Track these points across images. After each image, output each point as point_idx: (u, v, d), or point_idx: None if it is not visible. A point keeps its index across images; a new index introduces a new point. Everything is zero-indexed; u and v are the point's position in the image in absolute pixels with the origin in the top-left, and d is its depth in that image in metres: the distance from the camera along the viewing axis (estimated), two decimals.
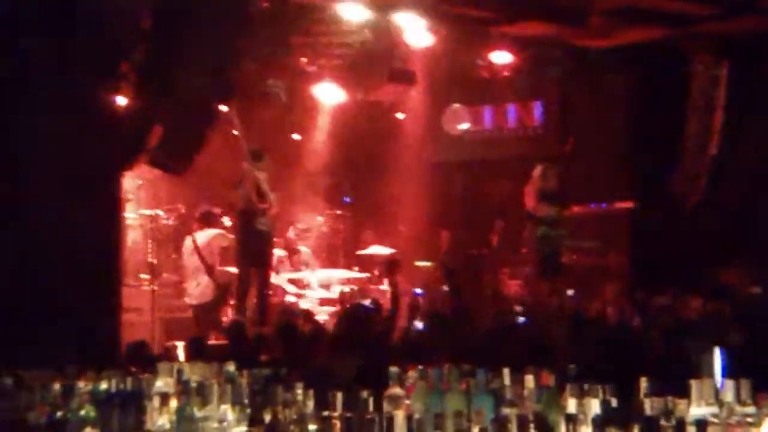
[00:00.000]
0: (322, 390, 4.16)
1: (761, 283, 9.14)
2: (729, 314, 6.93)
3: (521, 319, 8.70)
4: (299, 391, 4.13)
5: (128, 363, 6.50)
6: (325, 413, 3.91)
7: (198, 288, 11.30)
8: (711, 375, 4.75)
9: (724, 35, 11.78)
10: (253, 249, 10.96)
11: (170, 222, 12.35)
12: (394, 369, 4.46)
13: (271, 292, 11.39)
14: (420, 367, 4.59)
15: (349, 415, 3.83)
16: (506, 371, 4.26)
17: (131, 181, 11.63)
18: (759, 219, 11.82)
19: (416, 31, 11.78)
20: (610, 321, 7.52)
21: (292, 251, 12.48)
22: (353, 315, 8.25)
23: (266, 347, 7.39)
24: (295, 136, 14.18)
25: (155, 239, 11.99)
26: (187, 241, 11.52)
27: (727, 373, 4.69)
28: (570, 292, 11.21)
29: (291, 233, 12.58)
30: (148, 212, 12.16)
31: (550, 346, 6.29)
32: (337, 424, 3.80)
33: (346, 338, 7.44)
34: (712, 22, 11.32)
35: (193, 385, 4.27)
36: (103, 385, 4.71)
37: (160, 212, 12.25)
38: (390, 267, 9.92)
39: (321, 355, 6.91)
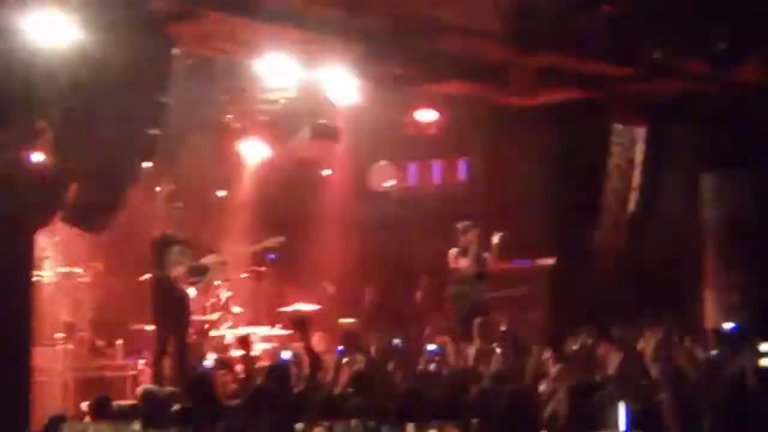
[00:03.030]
0: None
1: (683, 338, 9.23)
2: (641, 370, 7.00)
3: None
4: None
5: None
6: None
7: None
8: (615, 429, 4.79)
9: (642, 96, 12.08)
10: (171, 309, 10.78)
11: (87, 279, 12.17)
12: (299, 426, 4.44)
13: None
14: (326, 423, 4.58)
15: None
16: (410, 426, 4.27)
17: (48, 239, 11.48)
18: (677, 275, 12.04)
19: (341, 89, 11.86)
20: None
21: (226, 311, 12.28)
22: (273, 372, 8.18)
23: (180, 400, 7.27)
24: (220, 193, 14.13)
25: (71, 297, 11.78)
26: None
27: (631, 427, 4.74)
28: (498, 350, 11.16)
29: (223, 294, 12.36)
30: (65, 270, 11.96)
31: (465, 402, 6.27)
32: None
33: (265, 395, 7.36)
34: (631, 83, 11.61)
35: None
36: None
37: (77, 270, 12.06)
38: (301, 325, 9.78)
39: (236, 410, 6.81)
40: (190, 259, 11.03)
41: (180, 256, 10.88)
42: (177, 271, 10.82)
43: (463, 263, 11.72)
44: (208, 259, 11.45)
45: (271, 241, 12.17)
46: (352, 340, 9.83)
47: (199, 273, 11.24)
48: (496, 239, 11.66)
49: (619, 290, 11.66)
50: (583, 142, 12.56)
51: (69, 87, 8.90)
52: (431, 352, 10.14)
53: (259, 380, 8.27)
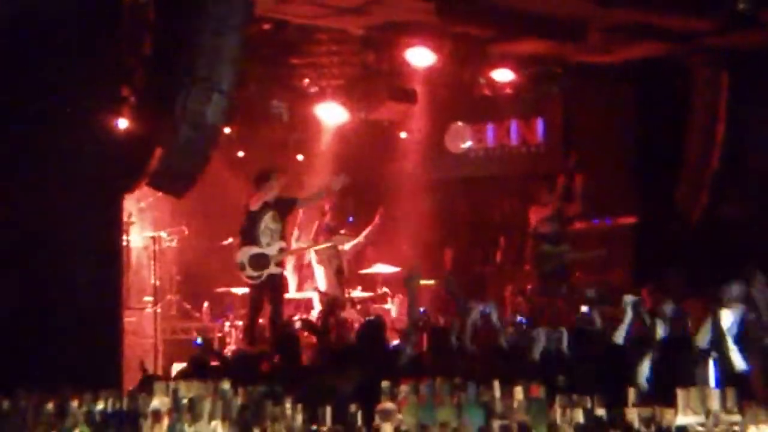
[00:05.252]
0: (313, 405, 4.18)
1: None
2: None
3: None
4: (288, 406, 4.16)
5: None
6: (314, 427, 3.94)
7: None
8: (704, 384, 4.74)
9: (724, 49, 11.79)
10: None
11: (173, 244, 12.41)
12: (385, 384, 4.48)
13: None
14: (412, 381, 4.60)
15: (337, 428, 3.87)
16: (496, 384, 4.28)
17: (134, 204, 11.72)
18: (763, 232, 11.78)
19: (417, 50, 11.83)
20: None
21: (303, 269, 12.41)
22: (369, 329, 8.27)
23: (268, 360, 7.42)
24: (299, 157, 14.25)
25: (158, 261, 12.03)
26: None
27: (720, 383, 4.70)
28: (584, 309, 11.06)
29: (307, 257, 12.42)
30: (151, 234, 12.21)
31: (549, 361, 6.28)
32: None
33: (352, 355, 7.46)
34: (713, 36, 11.33)
35: (185, 402, 4.30)
36: (99, 405, 4.74)
37: (163, 234, 12.30)
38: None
39: (323, 368, 6.92)
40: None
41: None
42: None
43: (547, 223, 11.59)
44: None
45: (337, 182, 11.49)
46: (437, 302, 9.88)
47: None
48: (578, 184, 11.55)
49: (701, 249, 11.45)
50: (663, 98, 12.33)
51: (151, 53, 9.05)
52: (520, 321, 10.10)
53: (349, 340, 8.41)
